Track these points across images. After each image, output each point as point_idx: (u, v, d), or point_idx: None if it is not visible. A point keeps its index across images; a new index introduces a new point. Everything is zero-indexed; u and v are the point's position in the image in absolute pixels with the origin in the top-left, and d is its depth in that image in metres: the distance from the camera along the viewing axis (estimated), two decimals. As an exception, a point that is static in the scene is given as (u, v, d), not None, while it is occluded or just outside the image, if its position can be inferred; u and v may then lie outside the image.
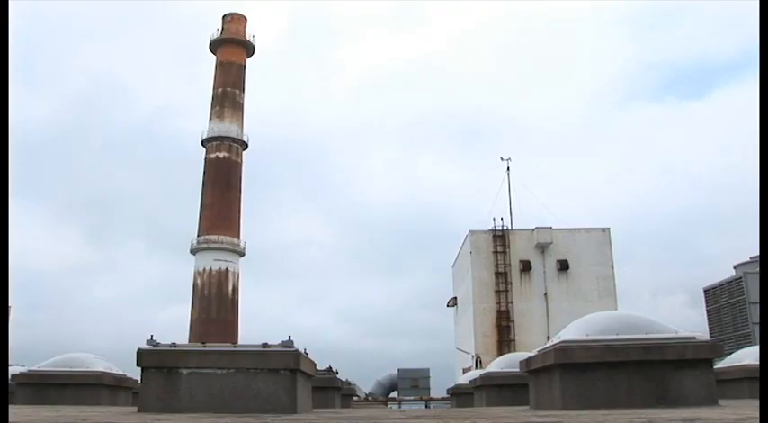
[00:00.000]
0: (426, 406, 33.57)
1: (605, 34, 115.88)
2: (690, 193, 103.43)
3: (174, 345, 5.80)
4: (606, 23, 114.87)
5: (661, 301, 66.91)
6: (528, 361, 7.29)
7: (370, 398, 38.91)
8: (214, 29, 52.20)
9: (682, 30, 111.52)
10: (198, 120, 63.21)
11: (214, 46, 51.70)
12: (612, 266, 30.29)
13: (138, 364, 5.72)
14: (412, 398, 37.90)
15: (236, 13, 52.64)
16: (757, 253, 27.26)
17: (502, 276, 30.57)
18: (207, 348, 5.87)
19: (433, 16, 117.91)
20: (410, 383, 41.38)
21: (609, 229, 31.26)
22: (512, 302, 30.28)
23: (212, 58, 52.16)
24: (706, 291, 31.72)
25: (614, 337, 6.03)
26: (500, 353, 25.41)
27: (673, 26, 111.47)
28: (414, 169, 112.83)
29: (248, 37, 52.37)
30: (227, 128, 49.31)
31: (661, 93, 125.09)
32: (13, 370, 10.07)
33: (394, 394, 43.06)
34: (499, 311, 30.33)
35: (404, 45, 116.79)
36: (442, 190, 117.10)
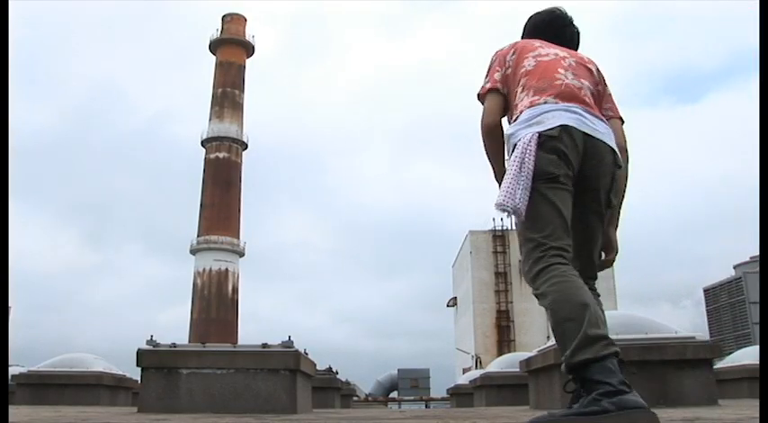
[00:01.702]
0: (426, 406, 33.55)
1: (600, 39, 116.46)
2: (688, 193, 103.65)
3: (173, 345, 5.80)
4: (601, 28, 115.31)
5: (660, 301, 66.92)
6: (528, 361, 7.28)
7: (369, 398, 38.88)
8: (214, 29, 52.28)
9: (675, 35, 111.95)
10: (197, 121, 63.34)
11: (214, 46, 51.69)
12: (612, 266, 30.30)
13: (137, 365, 5.71)
14: (412, 398, 37.88)
15: (236, 14, 52.64)
16: (757, 253, 27.29)
17: (502, 276, 30.59)
18: (206, 349, 5.86)
19: (431, 19, 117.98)
20: (410, 384, 41.35)
21: (609, 229, 31.24)
22: (511, 302, 30.29)
23: (212, 59, 52.21)
24: (706, 291, 31.73)
25: (614, 337, 5.97)
26: (500, 353, 25.43)
27: (667, 32, 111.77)
28: (413, 170, 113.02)
29: (248, 37, 52.38)
30: (226, 128, 49.29)
31: (655, 97, 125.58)
32: (12, 370, 10.07)
33: (394, 394, 43.03)
34: (499, 311, 30.34)
35: (403, 48, 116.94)
36: (441, 190, 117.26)
